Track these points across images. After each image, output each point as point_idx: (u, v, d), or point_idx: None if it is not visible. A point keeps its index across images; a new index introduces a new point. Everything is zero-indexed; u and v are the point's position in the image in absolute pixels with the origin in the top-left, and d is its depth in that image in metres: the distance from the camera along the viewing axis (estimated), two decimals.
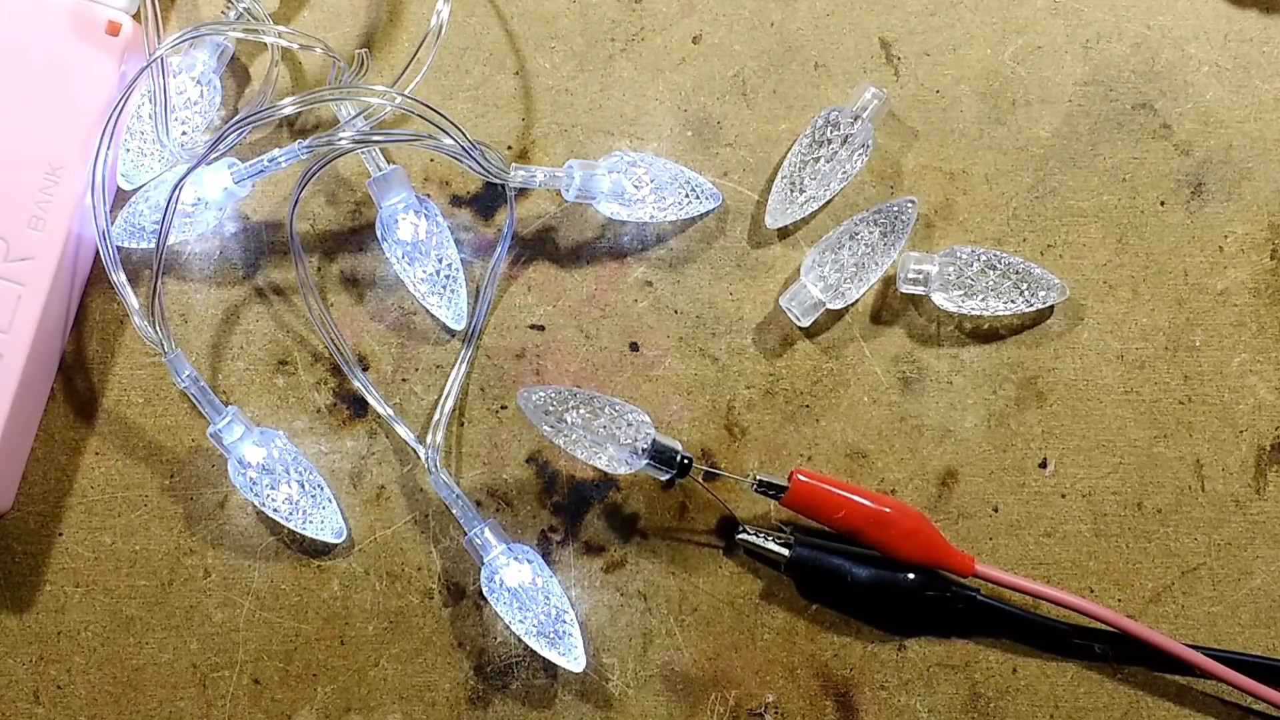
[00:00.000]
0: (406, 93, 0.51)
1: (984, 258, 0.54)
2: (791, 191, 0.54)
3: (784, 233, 0.56)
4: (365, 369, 0.55)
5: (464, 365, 0.55)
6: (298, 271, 0.54)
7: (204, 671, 0.54)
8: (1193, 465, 0.55)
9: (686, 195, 0.54)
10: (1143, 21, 0.57)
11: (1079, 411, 0.55)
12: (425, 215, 0.53)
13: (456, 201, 0.56)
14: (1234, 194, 0.56)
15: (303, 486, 0.53)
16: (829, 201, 0.56)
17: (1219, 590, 0.54)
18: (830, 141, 0.54)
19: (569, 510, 0.55)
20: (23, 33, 0.52)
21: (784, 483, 0.52)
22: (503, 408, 0.55)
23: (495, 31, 0.57)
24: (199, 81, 0.53)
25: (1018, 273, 0.54)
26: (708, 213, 0.56)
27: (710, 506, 0.55)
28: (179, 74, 0.53)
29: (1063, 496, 0.55)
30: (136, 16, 0.54)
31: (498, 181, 0.54)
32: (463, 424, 0.55)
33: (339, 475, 0.55)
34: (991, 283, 0.54)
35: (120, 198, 0.54)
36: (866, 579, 0.52)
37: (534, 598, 0.52)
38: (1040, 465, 0.55)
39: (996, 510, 0.55)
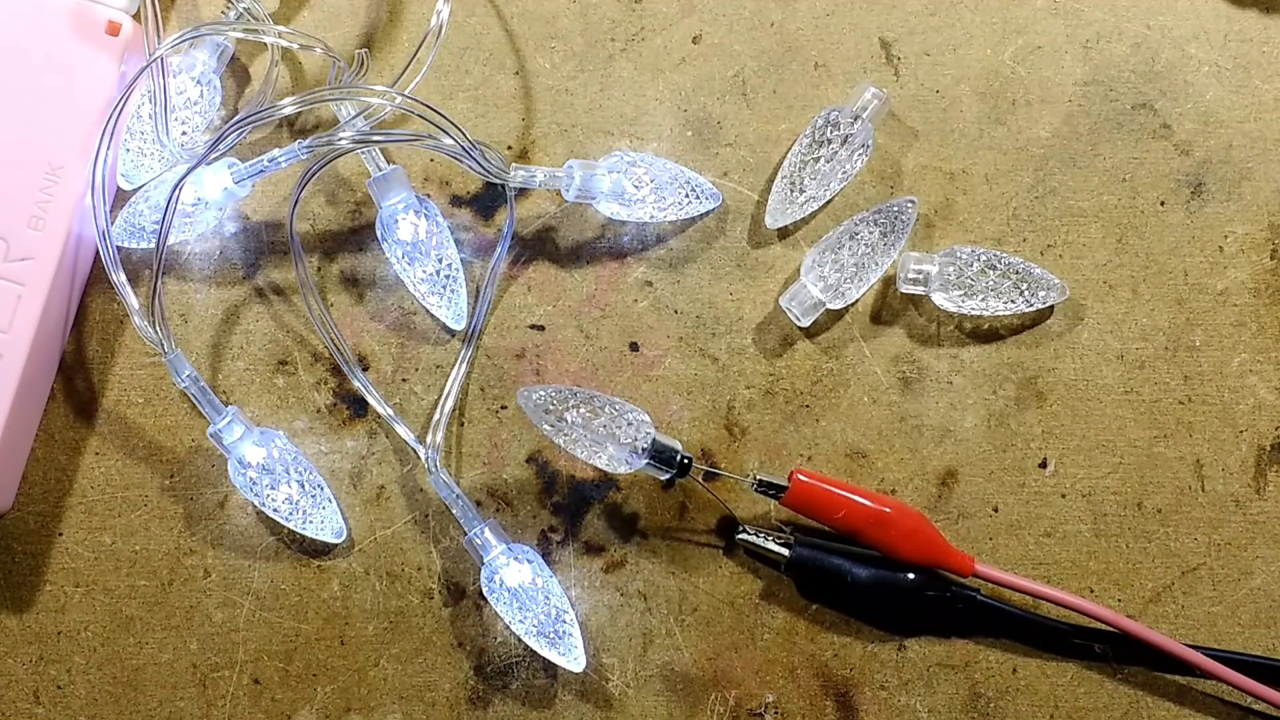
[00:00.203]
0: (406, 93, 0.51)
1: (984, 258, 0.54)
2: (791, 191, 0.54)
3: (784, 233, 0.56)
4: (365, 369, 0.55)
5: (464, 365, 0.55)
6: (298, 271, 0.54)
7: (204, 671, 0.54)
8: (1193, 465, 0.55)
9: (686, 195, 0.54)
10: (1143, 21, 0.57)
11: (1079, 411, 0.55)
12: (425, 215, 0.53)
13: (456, 201, 0.56)
14: (1234, 194, 0.56)
15: (303, 486, 0.53)
16: (829, 201, 0.56)
17: (1219, 590, 0.54)
18: (830, 141, 0.54)
19: (569, 510, 0.55)
20: (23, 33, 0.52)
21: (784, 483, 0.52)
22: (503, 408, 0.55)
23: (495, 31, 0.57)
24: (199, 81, 0.53)
25: (1018, 273, 0.54)
26: (708, 213, 0.56)
27: (710, 506, 0.55)
28: (179, 74, 0.53)
29: (1063, 496, 0.55)
30: (136, 16, 0.54)
31: (498, 181, 0.54)
32: (463, 424, 0.55)
33: (339, 475, 0.55)
34: (991, 283, 0.54)
35: (120, 198, 0.54)
36: (866, 579, 0.52)
37: (534, 598, 0.52)
38: (1040, 465, 0.55)
39: (996, 510, 0.55)
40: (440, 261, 0.54)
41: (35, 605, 0.54)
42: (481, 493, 0.55)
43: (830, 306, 0.54)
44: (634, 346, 0.55)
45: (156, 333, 0.52)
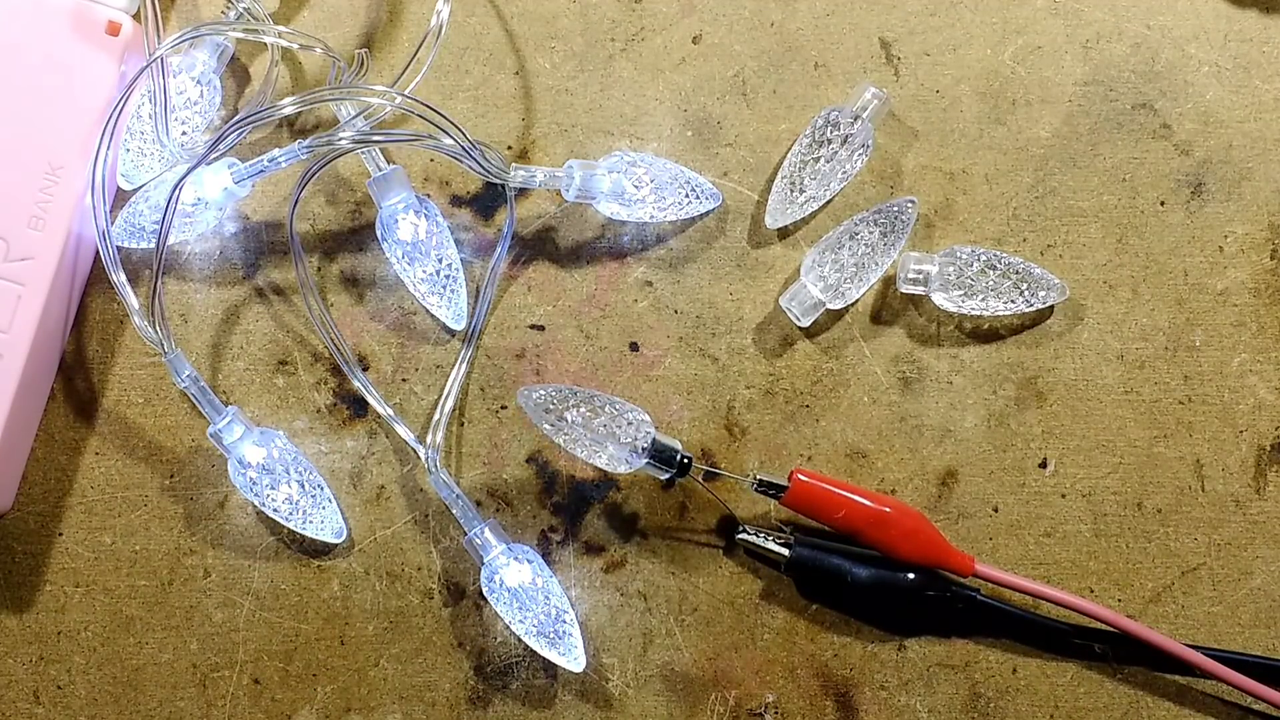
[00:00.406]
0: (406, 93, 0.51)
1: (984, 258, 0.54)
2: (791, 191, 0.54)
3: (784, 233, 0.56)
4: (365, 369, 0.55)
5: (464, 365, 0.55)
6: (298, 271, 0.54)
7: (204, 671, 0.54)
8: (1193, 465, 0.55)
9: (686, 195, 0.54)
10: (1143, 21, 0.57)
11: (1079, 411, 0.55)
12: (425, 215, 0.53)
13: (456, 201, 0.56)
14: (1234, 194, 0.56)
15: (303, 486, 0.53)
16: (829, 201, 0.56)
17: (1219, 590, 0.54)
18: (830, 141, 0.54)
19: (569, 510, 0.55)
20: (23, 33, 0.52)
21: (784, 482, 0.52)
22: (503, 408, 0.55)
23: (495, 31, 0.57)
24: (199, 81, 0.53)
25: (1018, 273, 0.54)
26: (708, 213, 0.56)
27: (710, 506, 0.54)
28: (179, 74, 0.53)
29: (1063, 496, 0.55)
30: (136, 16, 0.54)
31: (498, 181, 0.54)
32: (463, 424, 0.55)
33: (339, 475, 0.55)
34: (991, 283, 0.54)
35: (120, 198, 0.54)
36: (866, 579, 0.52)
37: (534, 598, 0.52)
38: (1040, 465, 0.55)
39: (996, 510, 0.55)
40: (440, 261, 0.54)
41: (35, 605, 0.54)
42: (481, 493, 0.55)
43: (830, 306, 0.54)
44: (634, 346, 0.55)
45: (156, 333, 0.52)
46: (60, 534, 0.54)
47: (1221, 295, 0.56)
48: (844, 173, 0.54)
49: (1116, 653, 0.54)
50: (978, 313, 0.55)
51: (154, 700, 0.54)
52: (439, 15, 0.53)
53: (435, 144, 0.51)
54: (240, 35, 0.54)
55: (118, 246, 0.52)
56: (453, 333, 0.55)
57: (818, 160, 0.54)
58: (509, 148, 0.56)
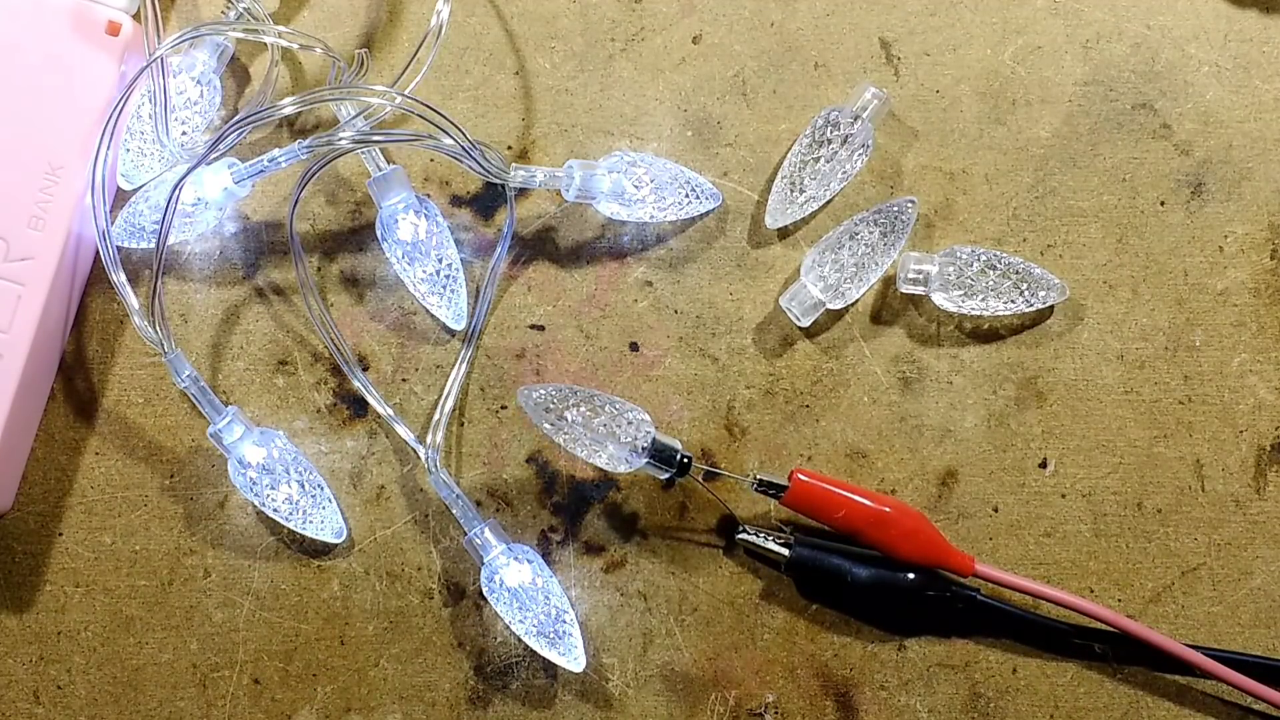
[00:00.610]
0: (406, 93, 0.51)
1: (984, 258, 0.54)
2: (791, 191, 0.54)
3: (784, 233, 0.56)
4: (365, 369, 0.55)
5: (464, 365, 0.55)
6: (298, 271, 0.54)
7: (204, 671, 0.54)
8: (1193, 465, 0.55)
9: (686, 195, 0.54)
10: (1143, 21, 0.57)
11: (1079, 411, 0.55)
12: (425, 215, 0.53)
13: (456, 201, 0.56)
14: (1234, 194, 0.56)
15: (303, 486, 0.53)
16: (829, 201, 0.56)
17: (1219, 590, 0.54)
18: (830, 141, 0.54)
19: (569, 510, 0.55)
20: (23, 33, 0.52)
21: (784, 482, 0.52)
22: (503, 408, 0.55)
23: (495, 31, 0.57)
24: (199, 81, 0.53)
25: (1018, 273, 0.54)
26: (708, 213, 0.56)
27: (710, 506, 0.54)
28: (179, 74, 0.53)
29: (1063, 496, 0.55)
30: (136, 16, 0.54)
31: (498, 181, 0.54)
32: (463, 424, 0.55)
33: (339, 475, 0.55)
34: (991, 283, 0.54)
35: (120, 198, 0.54)
36: (866, 579, 0.52)
37: (534, 598, 0.52)
38: (1040, 465, 0.55)
39: (996, 510, 0.55)
40: (440, 261, 0.54)
41: (35, 605, 0.54)
42: (481, 493, 0.55)
43: (830, 306, 0.54)
44: (634, 346, 0.55)
45: (156, 333, 0.52)
46: (60, 534, 0.54)
47: (1221, 295, 0.56)
48: (844, 173, 0.54)
49: (1116, 653, 0.54)
50: (978, 313, 0.55)
51: (154, 700, 0.54)
52: (439, 15, 0.53)
53: (435, 144, 0.51)
54: (240, 35, 0.54)
55: (118, 246, 0.52)
56: (453, 333, 0.55)
57: (818, 160, 0.54)
58: (509, 148, 0.56)
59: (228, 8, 0.54)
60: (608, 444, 0.50)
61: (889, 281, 0.55)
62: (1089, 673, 0.54)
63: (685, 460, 0.52)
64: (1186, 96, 0.56)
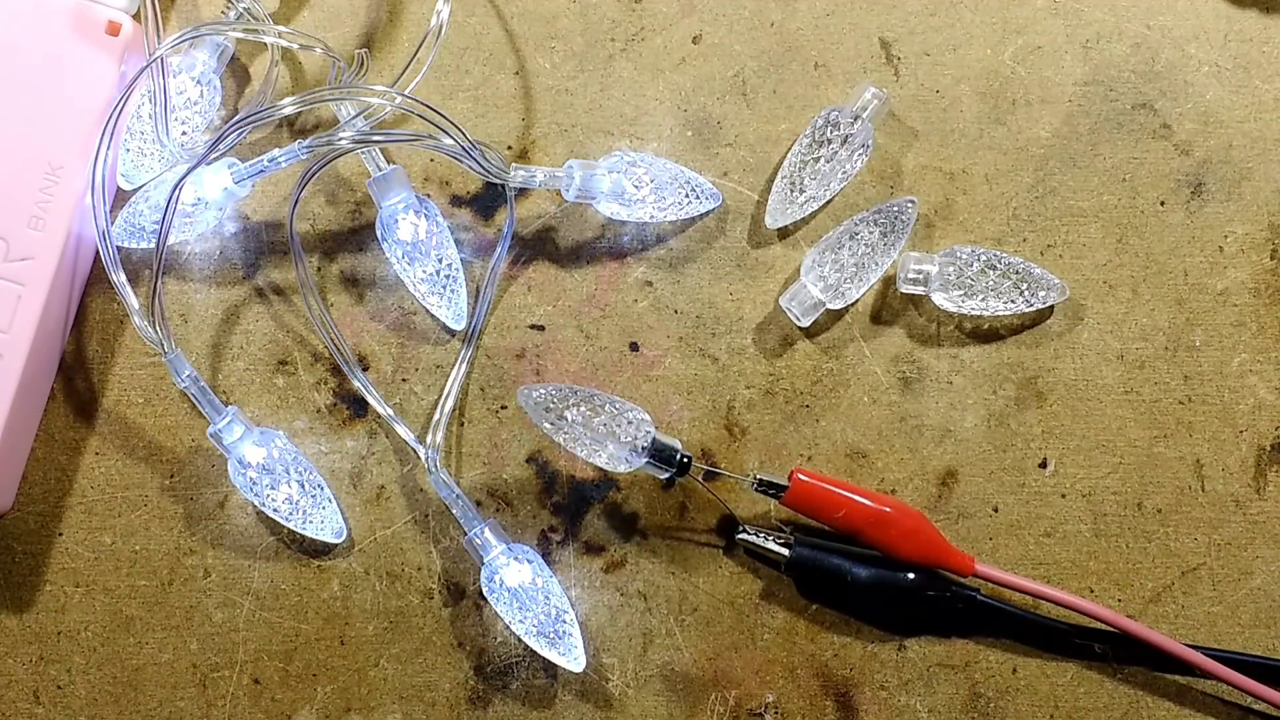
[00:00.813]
0: (406, 93, 0.51)
1: (984, 258, 0.54)
2: (791, 191, 0.54)
3: (784, 233, 0.56)
4: (365, 369, 0.55)
5: (464, 365, 0.55)
6: (298, 271, 0.54)
7: (204, 671, 0.54)
8: (1193, 465, 0.55)
9: (686, 195, 0.54)
10: (1143, 21, 0.57)
11: (1079, 411, 0.55)
12: (425, 215, 0.53)
13: (456, 201, 0.56)
14: (1234, 194, 0.56)
15: (303, 486, 0.53)
16: (829, 201, 0.56)
17: (1219, 590, 0.54)
18: (830, 141, 0.54)
19: (569, 510, 0.55)
20: (23, 33, 0.52)
21: (784, 482, 0.52)
22: (503, 408, 0.55)
23: (495, 31, 0.57)
24: (199, 81, 0.53)
25: (1018, 273, 0.54)
26: (708, 213, 0.56)
27: (710, 506, 0.54)
28: (179, 74, 0.53)
29: (1063, 496, 0.55)
30: (136, 16, 0.54)
31: (498, 181, 0.54)
32: (463, 424, 0.55)
33: (339, 475, 0.55)
34: (991, 283, 0.54)
35: (120, 198, 0.54)
36: (866, 579, 0.52)
37: (534, 598, 0.52)
38: (1040, 465, 0.55)
39: (996, 510, 0.55)
40: (440, 261, 0.54)
41: (35, 605, 0.54)
42: (481, 493, 0.55)
43: (830, 306, 0.54)
44: (634, 346, 0.55)
45: (156, 333, 0.52)
46: (60, 534, 0.54)
47: (1221, 295, 0.56)
48: (844, 173, 0.54)
49: (1116, 653, 0.54)
50: (978, 313, 0.55)
51: (154, 700, 0.54)
52: (439, 15, 0.53)
53: (435, 144, 0.51)
54: (240, 35, 0.54)
55: (118, 246, 0.52)
56: (453, 333, 0.55)
57: (818, 160, 0.54)
58: (509, 148, 0.56)
59: (228, 8, 0.54)
60: (608, 443, 0.50)
61: (889, 281, 0.55)
62: (1089, 673, 0.54)
63: (685, 460, 0.52)
64: (1186, 96, 0.56)
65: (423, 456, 0.53)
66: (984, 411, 0.55)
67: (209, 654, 0.54)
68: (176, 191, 0.50)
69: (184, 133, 0.53)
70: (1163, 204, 0.56)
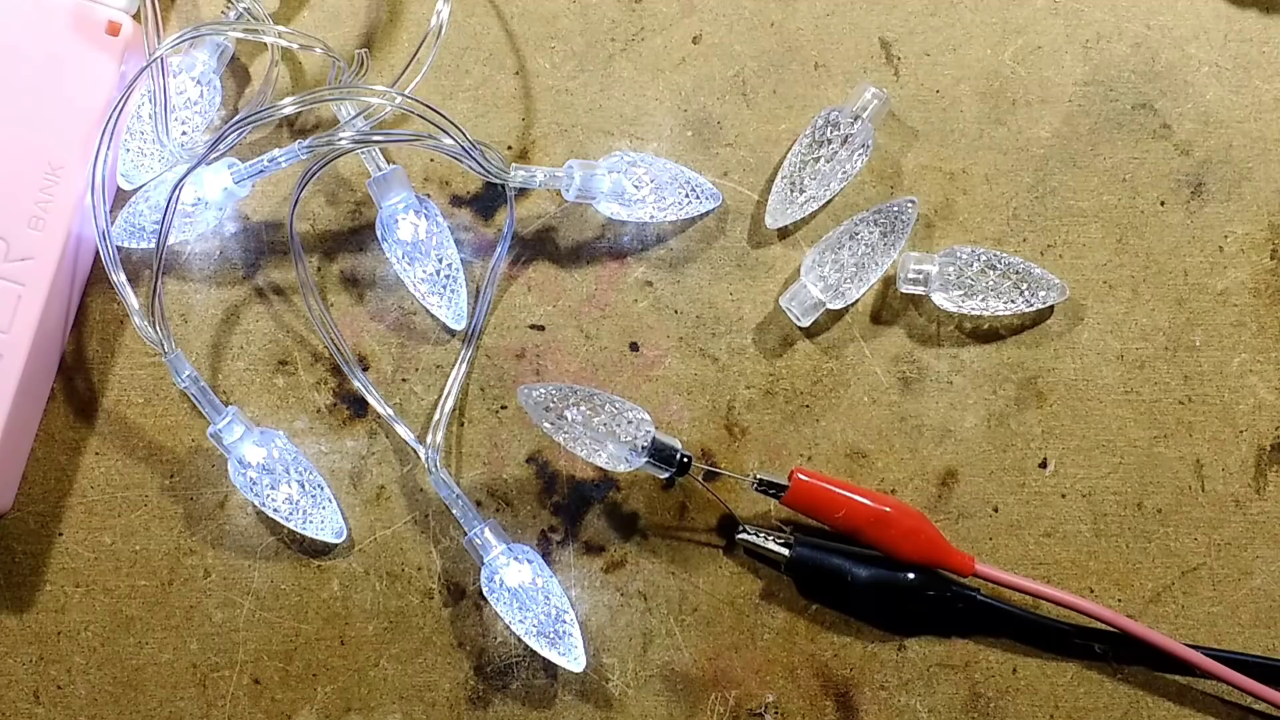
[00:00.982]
0: (406, 93, 0.51)
1: (984, 258, 0.54)
2: (791, 191, 0.54)
3: (784, 233, 0.56)
4: (365, 369, 0.55)
5: (464, 365, 0.55)
6: (298, 271, 0.54)
7: (204, 671, 0.54)
8: (1193, 465, 0.55)
9: (686, 195, 0.54)
10: (1143, 21, 0.57)
11: (1079, 411, 0.55)
12: (425, 215, 0.53)
13: (456, 201, 0.56)
14: (1234, 194, 0.56)
15: (303, 486, 0.53)
16: (829, 201, 0.56)
17: (1219, 590, 0.54)
18: (830, 141, 0.54)
19: (569, 510, 0.55)
20: (23, 33, 0.52)
21: (784, 482, 0.52)
22: (503, 408, 0.55)
23: (495, 31, 0.57)
24: (199, 81, 0.53)
25: (1018, 273, 0.54)
26: (708, 213, 0.56)
27: (710, 506, 0.54)
28: (179, 74, 0.53)
29: (1063, 496, 0.55)
30: (136, 16, 0.54)
31: (498, 181, 0.54)
32: (463, 424, 0.55)
33: (339, 475, 0.55)
34: (991, 283, 0.54)
35: (120, 198, 0.54)
36: (867, 579, 0.52)
37: (534, 598, 0.52)
38: (1040, 465, 0.55)
39: (996, 510, 0.55)
40: (440, 261, 0.54)
41: (35, 605, 0.54)
42: (481, 493, 0.55)
43: (830, 306, 0.54)
44: (634, 346, 0.55)
45: (156, 333, 0.52)
46: (60, 534, 0.54)
47: (1221, 295, 0.56)
48: (844, 173, 0.54)
49: (1116, 653, 0.54)
50: (978, 313, 0.55)
51: (154, 700, 0.54)
52: (439, 15, 0.53)
53: (435, 144, 0.51)
54: (240, 35, 0.54)
55: (118, 246, 0.52)
56: (453, 333, 0.55)
57: (818, 160, 0.54)
58: (509, 148, 0.56)
59: (228, 8, 0.54)
60: (608, 443, 0.50)
61: (889, 281, 0.55)
62: (1089, 673, 0.54)
63: (685, 460, 0.52)
64: (1186, 96, 0.56)
65: (423, 456, 0.53)
66: (984, 411, 0.55)
67: (209, 654, 0.54)
68: (176, 191, 0.50)
69: (184, 133, 0.53)
70: (1163, 204, 0.56)
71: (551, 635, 0.52)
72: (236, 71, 0.56)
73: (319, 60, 0.56)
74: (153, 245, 0.51)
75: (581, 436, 0.50)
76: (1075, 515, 0.55)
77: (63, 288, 0.53)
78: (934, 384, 0.55)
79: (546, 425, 0.51)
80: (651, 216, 0.54)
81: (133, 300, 0.52)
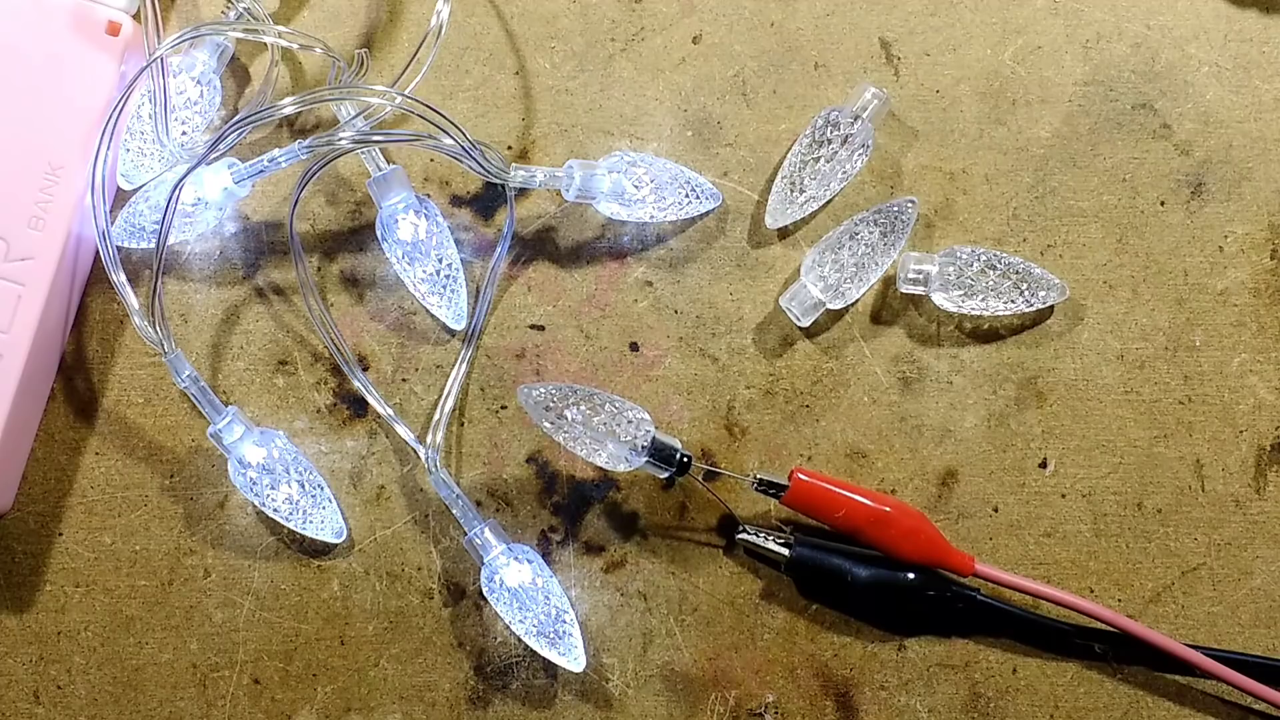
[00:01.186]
0: (406, 93, 0.51)
1: (984, 258, 0.54)
2: (791, 191, 0.54)
3: (784, 233, 0.56)
4: (365, 369, 0.55)
5: (464, 365, 0.55)
6: (298, 271, 0.54)
7: (204, 671, 0.54)
8: (1193, 465, 0.55)
9: (686, 195, 0.54)
10: (1143, 21, 0.57)
11: (1079, 411, 0.55)
12: (425, 215, 0.53)
13: (456, 201, 0.56)
14: (1234, 194, 0.56)
15: (303, 486, 0.53)
16: (829, 201, 0.56)
17: (1219, 590, 0.54)
18: (830, 141, 0.54)
19: (569, 510, 0.55)
20: (23, 33, 0.52)
21: (784, 482, 0.52)
22: (503, 408, 0.55)
23: (495, 31, 0.57)
24: (199, 81, 0.53)
25: (1018, 273, 0.54)
26: (708, 213, 0.56)
27: (710, 506, 0.54)
28: (179, 74, 0.53)
29: (1063, 496, 0.55)
30: (136, 16, 0.54)
31: (498, 181, 0.54)
32: (463, 424, 0.55)
33: (339, 475, 0.55)
34: (991, 283, 0.54)
35: (120, 198, 0.54)
36: (867, 579, 0.52)
37: (534, 598, 0.52)
38: (1040, 465, 0.55)
39: (996, 510, 0.55)
40: (440, 261, 0.54)
41: (35, 605, 0.54)
42: (481, 493, 0.55)
43: (830, 306, 0.54)
44: (634, 346, 0.55)
45: (156, 333, 0.52)
46: (60, 534, 0.54)
47: (1221, 295, 0.56)
48: (844, 173, 0.54)
49: (1116, 653, 0.54)
50: (978, 313, 0.55)
51: (154, 700, 0.54)
52: (439, 15, 0.53)
53: (435, 144, 0.51)
54: (240, 35, 0.54)
55: (118, 246, 0.52)
56: (453, 333, 0.55)
57: (818, 160, 0.54)
58: (509, 148, 0.56)
59: (228, 8, 0.54)
60: (607, 443, 0.50)
61: (889, 281, 0.55)
62: (1089, 673, 0.54)
63: (685, 459, 0.52)
64: (1186, 96, 0.56)
65: (423, 456, 0.53)
66: (984, 411, 0.55)
67: (209, 654, 0.54)
68: (176, 191, 0.50)
69: (184, 133, 0.53)
70: (1163, 204, 0.56)
71: (551, 635, 0.52)
72: (236, 71, 0.56)
73: (319, 60, 0.56)
74: (153, 245, 0.51)
75: (581, 436, 0.50)
76: (1075, 515, 0.55)
77: (63, 288, 0.53)
78: (934, 384, 0.55)
79: (546, 425, 0.51)
80: (651, 216, 0.54)
81: (133, 300, 0.52)
